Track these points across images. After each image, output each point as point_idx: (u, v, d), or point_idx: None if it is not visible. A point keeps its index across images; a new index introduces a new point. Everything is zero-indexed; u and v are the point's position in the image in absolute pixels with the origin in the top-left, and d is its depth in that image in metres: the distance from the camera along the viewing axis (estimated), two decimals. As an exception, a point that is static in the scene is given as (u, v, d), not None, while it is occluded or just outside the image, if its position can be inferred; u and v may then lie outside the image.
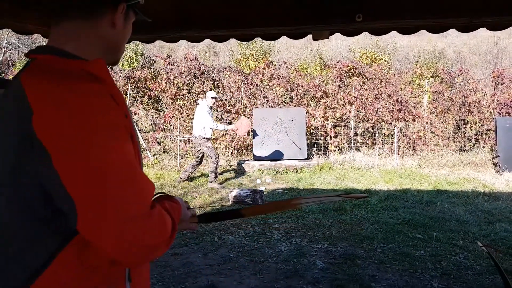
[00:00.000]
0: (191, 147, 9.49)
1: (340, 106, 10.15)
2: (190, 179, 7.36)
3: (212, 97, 7.11)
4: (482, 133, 10.06)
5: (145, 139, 9.87)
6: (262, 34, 2.81)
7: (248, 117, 7.83)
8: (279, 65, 12.00)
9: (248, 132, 7.75)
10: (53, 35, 0.90)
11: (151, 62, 14.36)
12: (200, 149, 7.05)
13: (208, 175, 7.14)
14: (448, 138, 9.93)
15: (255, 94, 10.57)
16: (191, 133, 7.73)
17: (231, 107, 10.36)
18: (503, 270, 1.48)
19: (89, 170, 0.74)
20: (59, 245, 0.80)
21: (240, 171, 8.24)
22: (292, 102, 10.55)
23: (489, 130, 9.92)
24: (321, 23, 2.35)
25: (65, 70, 0.82)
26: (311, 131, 9.95)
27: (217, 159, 6.96)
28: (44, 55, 0.86)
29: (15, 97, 0.80)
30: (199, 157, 7.17)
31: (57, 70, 0.82)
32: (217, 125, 7.04)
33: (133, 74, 11.85)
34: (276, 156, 8.57)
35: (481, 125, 10.10)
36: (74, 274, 0.81)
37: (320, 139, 9.93)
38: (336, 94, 10.39)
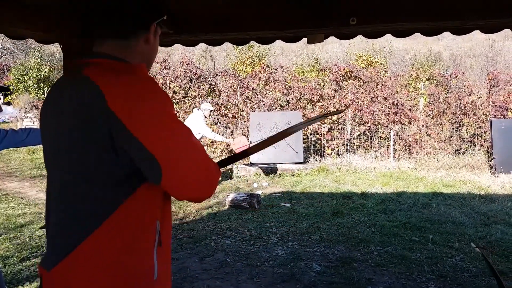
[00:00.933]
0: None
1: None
2: None
3: (211, 110, 7.36)
4: (477, 136, 10.10)
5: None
6: (257, 38, 2.81)
7: (249, 141, 7.85)
8: (276, 69, 12.02)
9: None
10: (98, 48, 1.08)
11: (147, 66, 14.34)
12: None
13: None
14: (444, 140, 9.96)
15: (251, 98, 10.58)
16: None
17: (227, 111, 10.36)
18: (497, 271, 1.48)
19: (165, 133, 0.93)
20: (122, 199, 0.97)
21: (236, 175, 8.23)
22: (288, 105, 10.56)
23: (484, 132, 9.96)
24: (315, 26, 2.35)
25: (121, 67, 1.03)
26: (308, 134, 9.96)
27: None
28: (102, 59, 1.04)
29: (82, 88, 0.97)
30: None
31: (115, 67, 1.02)
32: (215, 136, 7.21)
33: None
34: (273, 160, 8.57)
35: (477, 128, 10.15)
36: (125, 226, 0.98)
37: (316, 142, 9.94)
38: (332, 98, 10.42)
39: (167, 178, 0.93)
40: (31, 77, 17.09)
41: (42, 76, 17.41)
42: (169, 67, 11.42)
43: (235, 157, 1.38)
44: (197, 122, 7.03)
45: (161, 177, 0.93)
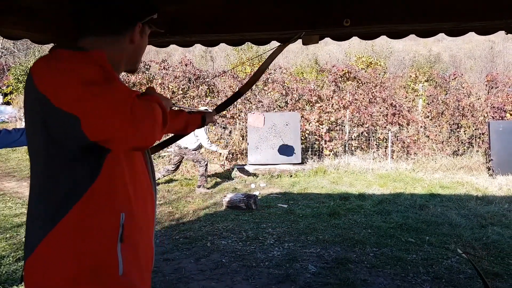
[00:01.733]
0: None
1: (335, 110, 10.17)
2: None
3: None
4: (475, 137, 10.11)
5: (140, 144, 9.81)
6: (252, 39, 2.82)
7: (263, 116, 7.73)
8: (274, 70, 12.03)
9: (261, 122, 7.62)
10: (80, 43, 1.06)
11: (146, 66, 14.35)
12: (178, 158, 7.14)
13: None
14: (442, 142, 9.96)
15: (250, 98, 10.58)
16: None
17: (226, 111, 10.36)
18: (484, 277, 1.49)
19: (84, 97, 0.91)
20: (83, 187, 0.98)
21: (234, 176, 8.23)
22: (287, 106, 10.57)
23: (482, 134, 9.97)
24: (309, 27, 2.36)
25: (68, 55, 1.00)
26: (306, 135, 9.96)
27: (206, 162, 7.07)
28: (62, 49, 1.02)
29: (26, 81, 1.01)
30: (176, 164, 7.23)
31: (62, 56, 0.99)
32: (210, 145, 7.17)
33: (128, 79, 11.83)
34: (270, 161, 8.56)
35: (475, 129, 10.15)
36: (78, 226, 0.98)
37: (314, 143, 9.94)
38: (331, 99, 10.42)
39: (87, 123, 0.91)
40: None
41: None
42: (168, 67, 11.42)
43: (229, 100, 1.37)
44: (199, 129, 7.02)
45: (81, 123, 0.91)
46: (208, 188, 7.07)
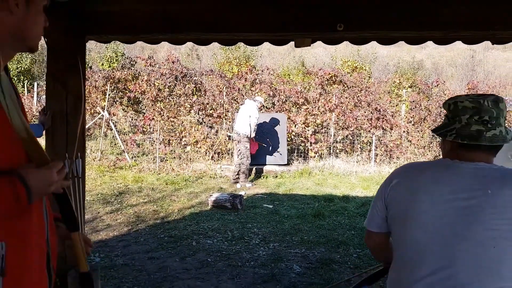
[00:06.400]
0: (171, 150, 9.39)
1: (321, 113, 10.26)
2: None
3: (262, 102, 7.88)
4: (456, 143, 10.34)
5: (124, 141, 9.70)
6: (244, 40, 2.83)
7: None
8: (262, 71, 12.06)
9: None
10: None
11: (131, 62, 14.21)
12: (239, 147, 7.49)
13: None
14: (424, 147, 10.17)
15: (237, 98, 10.58)
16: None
17: (212, 111, 10.33)
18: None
19: None
20: None
21: (220, 176, 8.22)
22: (274, 107, 10.61)
23: (463, 140, 10.21)
24: (303, 30, 2.39)
25: None
26: (292, 137, 10.03)
27: (248, 161, 7.43)
28: None
29: None
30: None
31: None
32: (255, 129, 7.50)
33: (113, 75, 11.69)
34: (256, 162, 8.57)
35: (456, 135, 10.39)
36: None
37: (300, 145, 10.01)
38: (317, 101, 10.51)
39: None
40: (11, 70, 16.68)
41: (22, 69, 17.02)
42: (155, 64, 11.31)
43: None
44: (252, 112, 7.40)
45: None
46: (251, 181, 7.47)
